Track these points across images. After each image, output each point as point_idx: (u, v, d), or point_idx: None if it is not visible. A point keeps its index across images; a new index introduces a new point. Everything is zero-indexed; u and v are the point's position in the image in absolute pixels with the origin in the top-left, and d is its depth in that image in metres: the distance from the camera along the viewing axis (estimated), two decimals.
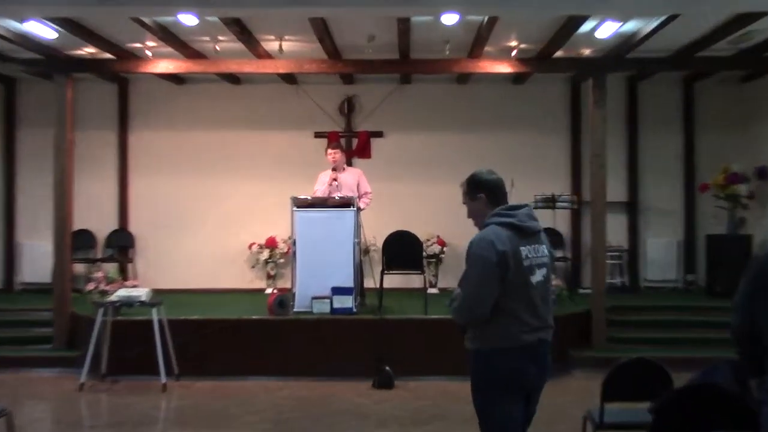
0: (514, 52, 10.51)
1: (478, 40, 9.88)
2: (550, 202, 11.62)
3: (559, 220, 12.32)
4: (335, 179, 10.34)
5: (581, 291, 12.12)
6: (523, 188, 11.38)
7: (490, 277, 4.03)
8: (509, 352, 4.09)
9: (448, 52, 10.39)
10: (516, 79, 12.55)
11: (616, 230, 12.37)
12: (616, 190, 12.23)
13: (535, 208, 11.55)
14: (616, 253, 12.65)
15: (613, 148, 11.63)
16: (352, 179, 10.48)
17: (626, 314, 10.81)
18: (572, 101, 13.06)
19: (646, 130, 13.02)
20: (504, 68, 10.64)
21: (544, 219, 12.04)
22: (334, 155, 10.45)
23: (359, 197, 10.26)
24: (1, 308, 11.10)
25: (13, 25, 9.32)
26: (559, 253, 12.54)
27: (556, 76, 12.69)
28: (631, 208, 13.00)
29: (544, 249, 4.25)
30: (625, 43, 9.89)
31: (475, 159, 12.89)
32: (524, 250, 4.10)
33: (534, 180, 12.12)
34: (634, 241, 13.01)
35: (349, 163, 12.43)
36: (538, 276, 4.15)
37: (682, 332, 10.38)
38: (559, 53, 10.54)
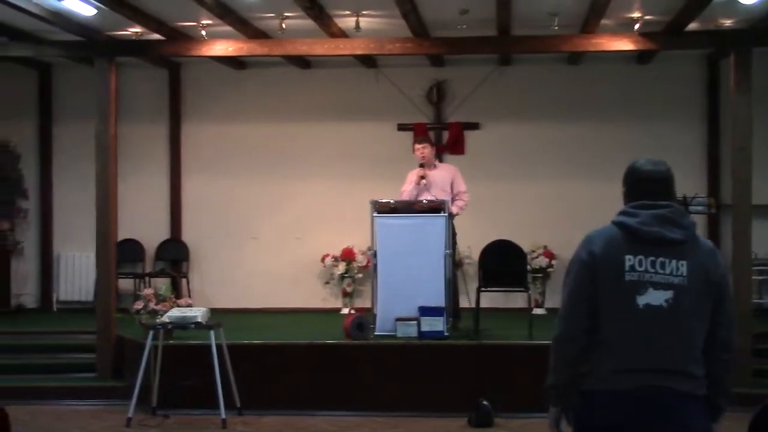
0: (637, 26, 10.41)
1: (594, 12, 9.82)
2: (681, 206, 11.44)
3: None
4: (423, 177, 10.39)
5: None
6: None
7: (580, 282, 3.79)
8: (596, 399, 3.72)
9: (556, 27, 10.35)
10: (640, 57, 12.43)
11: (764, 239, 12.11)
12: (764, 190, 11.99)
13: None
14: (765, 267, 12.42)
15: (761, 139, 11.37)
16: (444, 177, 10.51)
17: None
18: (709, 83, 12.88)
19: None
20: (625, 45, 10.55)
21: None
22: (423, 150, 10.51)
23: (452, 199, 10.31)
24: (37, 331, 11.50)
25: (47, 1, 9.48)
26: None
27: (690, 53, 12.50)
28: None
29: (679, 266, 3.75)
30: None
31: (588, 154, 12.83)
32: (631, 260, 3.72)
33: None
34: None
35: (439, 160, 12.46)
36: (654, 298, 3.71)
37: None
38: (692, 25, 10.39)
